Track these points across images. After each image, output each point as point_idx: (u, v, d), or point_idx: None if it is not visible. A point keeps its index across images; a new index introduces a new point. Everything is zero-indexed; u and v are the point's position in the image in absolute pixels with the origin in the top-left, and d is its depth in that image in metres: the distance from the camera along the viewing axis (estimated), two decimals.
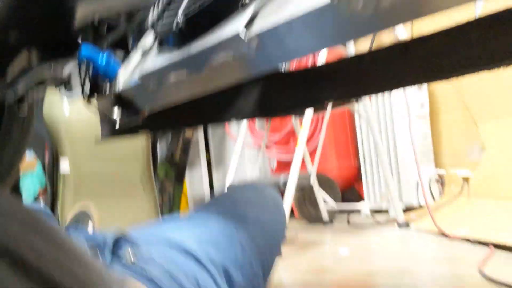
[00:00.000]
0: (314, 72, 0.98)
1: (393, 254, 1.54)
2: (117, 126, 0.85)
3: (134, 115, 0.80)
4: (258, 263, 0.69)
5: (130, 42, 0.75)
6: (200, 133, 3.32)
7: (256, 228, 0.73)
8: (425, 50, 0.77)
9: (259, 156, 2.38)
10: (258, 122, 2.78)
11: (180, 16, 0.60)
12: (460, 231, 1.52)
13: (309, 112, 1.73)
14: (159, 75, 0.66)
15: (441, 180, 2.17)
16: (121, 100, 0.78)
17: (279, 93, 1.03)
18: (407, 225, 1.90)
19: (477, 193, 1.88)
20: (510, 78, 1.81)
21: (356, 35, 0.46)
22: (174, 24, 0.60)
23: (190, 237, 0.60)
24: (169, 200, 2.90)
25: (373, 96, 2.38)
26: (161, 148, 3.18)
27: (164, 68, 0.64)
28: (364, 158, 2.53)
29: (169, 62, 0.63)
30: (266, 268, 0.73)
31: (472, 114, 2.06)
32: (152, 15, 0.67)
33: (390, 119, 2.30)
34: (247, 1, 0.55)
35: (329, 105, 1.86)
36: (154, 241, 0.57)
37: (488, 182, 1.84)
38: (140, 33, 0.78)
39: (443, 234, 1.60)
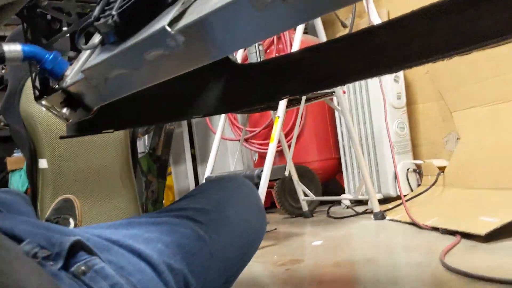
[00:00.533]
0: (272, 65, 0.99)
1: (363, 245, 1.56)
2: (68, 124, 0.85)
3: (84, 113, 0.80)
4: (225, 271, 0.68)
5: (80, 41, 0.75)
6: (184, 128, 3.33)
7: (229, 234, 0.71)
8: (374, 41, 0.78)
9: (239, 149, 2.39)
10: (239, 116, 2.79)
11: (115, 12, 0.60)
12: (431, 221, 1.54)
13: (282, 105, 1.73)
14: (101, 69, 0.66)
15: (418, 170, 2.19)
16: (70, 98, 0.78)
17: (240, 88, 1.04)
18: (383, 216, 1.92)
19: (452, 182, 1.90)
20: (483, 66, 1.82)
21: (279, 28, 0.47)
22: (109, 20, 0.61)
23: (152, 242, 0.59)
24: (152, 195, 2.90)
25: (350, 87, 2.39)
26: (143, 143, 3.18)
27: (104, 62, 0.64)
28: (344, 150, 2.54)
29: (108, 57, 0.63)
30: (233, 274, 0.72)
31: (447, 103, 2.07)
32: (94, 13, 0.67)
33: (368, 110, 2.31)
34: None
35: (303, 98, 1.87)
36: (113, 248, 0.56)
37: (463, 172, 1.86)
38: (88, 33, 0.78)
39: (415, 224, 1.61)
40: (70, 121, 0.82)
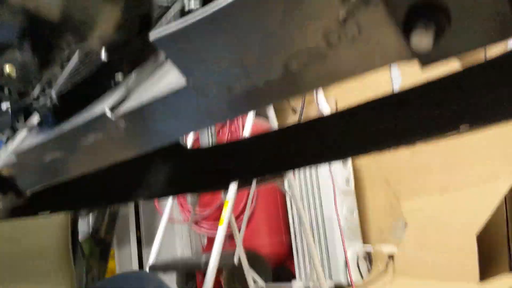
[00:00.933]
0: (222, 150, 0.97)
1: None
2: None
3: (15, 197, 0.74)
4: None
5: (16, 121, 0.71)
6: (130, 208, 3.21)
7: None
8: (322, 130, 0.78)
9: (187, 232, 2.30)
10: (188, 197, 2.72)
11: (54, 93, 0.57)
12: None
13: (232, 188, 1.71)
14: (35, 153, 0.62)
15: (368, 257, 2.18)
16: (1, 180, 0.72)
17: (189, 172, 1.01)
18: None
19: (401, 270, 1.89)
20: (430, 155, 1.89)
21: (218, 119, 0.45)
22: (48, 101, 0.58)
23: None
24: (93, 281, 2.71)
25: (300, 171, 2.41)
26: (86, 223, 3.02)
27: (39, 145, 0.60)
28: (295, 234, 2.50)
29: (44, 140, 0.59)
30: None
31: (394, 190, 2.12)
32: (33, 93, 0.64)
33: (318, 195, 2.32)
34: (119, 80, 0.53)
35: (253, 182, 1.85)
36: None
37: (412, 260, 1.86)
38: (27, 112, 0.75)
39: None
40: None
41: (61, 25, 0.25)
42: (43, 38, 0.24)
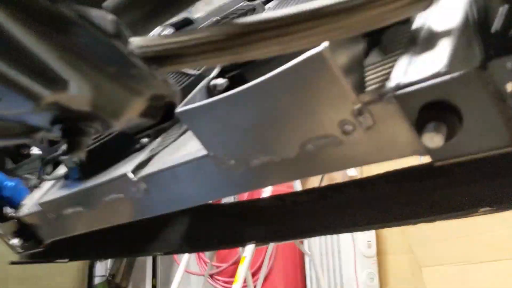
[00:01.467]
0: (239, 209, 0.98)
1: None
2: (19, 253, 0.80)
3: (36, 245, 0.76)
4: None
5: (44, 171, 0.74)
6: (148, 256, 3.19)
7: None
8: (339, 198, 0.78)
9: (202, 285, 2.27)
10: None
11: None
12: None
13: (250, 245, 1.69)
14: (58, 204, 0.64)
15: None
16: (24, 228, 0.74)
17: (206, 227, 1.01)
18: None
19: None
20: (453, 224, 1.84)
21: (236, 190, 0.46)
22: (76, 156, 0.60)
23: None
24: None
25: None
26: (103, 267, 3.01)
27: (63, 198, 0.62)
28: None
29: (68, 193, 0.61)
30: None
31: (416, 258, 2.05)
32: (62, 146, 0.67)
33: (337, 257, 2.27)
34: (144, 143, 0.55)
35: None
36: None
37: None
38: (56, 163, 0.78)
39: None
40: (20, 251, 0.77)
41: (91, 115, 0.27)
42: (72, 124, 0.26)
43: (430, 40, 0.30)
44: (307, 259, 2.46)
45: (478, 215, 0.59)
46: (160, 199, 0.52)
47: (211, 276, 2.55)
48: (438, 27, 0.30)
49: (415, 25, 0.33)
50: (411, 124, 0.30)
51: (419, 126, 0.29)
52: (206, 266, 2.53)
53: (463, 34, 0.28)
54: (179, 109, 0.40)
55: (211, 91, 0.41)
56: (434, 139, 0.28)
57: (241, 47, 0.25)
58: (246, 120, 0.38)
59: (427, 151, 0.30)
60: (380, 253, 2.27)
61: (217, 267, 2.57)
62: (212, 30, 0.25)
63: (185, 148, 0.49)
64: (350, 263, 2.17)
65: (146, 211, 0.56)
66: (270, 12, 0.26)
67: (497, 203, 0.55)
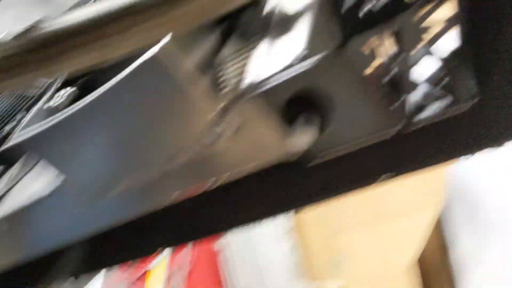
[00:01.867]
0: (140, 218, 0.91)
1: None
2: None
3: None
4: None
5: None
6: None
7: None
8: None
9: None
10: None
11: None
12: None
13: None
14: None
15: None
16: None
17: (106, 245, 0.94)
18: None
19: None
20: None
21: (114, 219, 0.41)
22: None
23: None
24: None
25: None
26: None
27: None
28: None
29: None
30: None
31: (332, 225, 2.10)
32: None
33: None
34: None
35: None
36: None
37: None
38: None
39: None
40: None
41: None
42: None
43: (286, 21, 0.26)
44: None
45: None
46: (22, 240, 0.45)
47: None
48: (292, 6, 0.27)
49: (269, 5, 0.29)
50: (280, 120, 0.26)
51: (290, 121, 0.25)
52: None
53: (319, 13, 0.24)
54: (15, 139, 0.32)
55: (52, 110, 0.34)
56: (306, 134, 0.24)
57: (45, 62, 0.19)
58: (99, 137, 0.32)
59: (300, 148, 0.26)
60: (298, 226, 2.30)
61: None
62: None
63: (32, 186, 0.42)
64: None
65: (14, 254, 0.48)
66: (75, 12, 0.20)
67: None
